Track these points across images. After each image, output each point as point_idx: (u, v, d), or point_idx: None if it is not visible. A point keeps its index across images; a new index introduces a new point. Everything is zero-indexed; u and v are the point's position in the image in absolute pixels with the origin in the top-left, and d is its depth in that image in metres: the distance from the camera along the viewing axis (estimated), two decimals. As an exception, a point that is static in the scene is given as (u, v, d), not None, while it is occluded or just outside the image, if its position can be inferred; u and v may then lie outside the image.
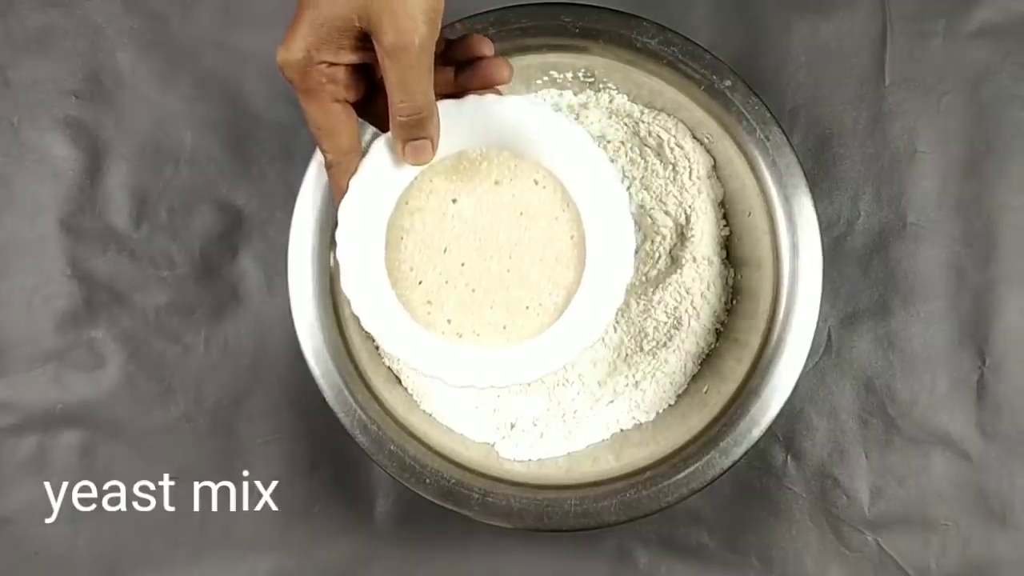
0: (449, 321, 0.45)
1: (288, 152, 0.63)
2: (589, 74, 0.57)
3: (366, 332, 0.58)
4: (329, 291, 0.54)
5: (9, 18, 0.63)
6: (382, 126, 0.42)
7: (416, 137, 0.42)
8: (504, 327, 0.45)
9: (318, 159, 0.53)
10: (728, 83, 0.54)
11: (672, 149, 0.58)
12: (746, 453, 0.53)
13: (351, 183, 0.43)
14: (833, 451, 0.62)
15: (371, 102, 0.42)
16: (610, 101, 0.58)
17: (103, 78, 0.63)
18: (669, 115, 0.58)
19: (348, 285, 0.44)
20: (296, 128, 0.63)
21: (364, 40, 0.38)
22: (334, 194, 0.43)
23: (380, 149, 0.43)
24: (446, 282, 0.45)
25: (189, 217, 0.63)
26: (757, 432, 0.53)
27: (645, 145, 0.59)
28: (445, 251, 0.45)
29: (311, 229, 0.54)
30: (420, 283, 0.45)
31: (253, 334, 0.62)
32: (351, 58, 0.39)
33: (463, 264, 0.45)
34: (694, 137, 0.58)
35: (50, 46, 0.63)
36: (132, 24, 0.63)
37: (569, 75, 0.57)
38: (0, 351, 0.62)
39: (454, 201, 0.45)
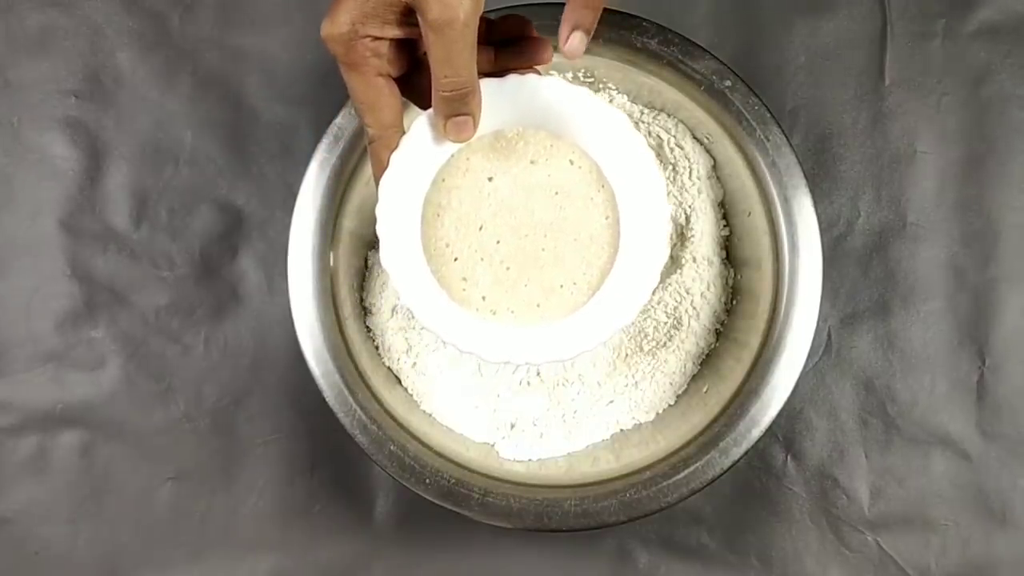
0: (484, 298, 0.45)
1: (288, 152, 0.63)
2: (589, 74, 0.57)
3: (367, 331, 0.58)
4: (329, 291, 0.54)
5: (9, 18, 0.63)
6: (423, 103, 0.43)
7: (458, 113, 0.41)
8: (538, 305, 0.45)
9: (318, 158, 0.53)
10: (728, 83, 0.54)
11: (672, 149, 0.58)
12: (746, 453, 0.53)
13: (392, 159, 0.43)
14: (833, 451, 0.62)
15: (413, 78, 0.42)
16: (610, 101, 0.58)
17: (103, 78, 0.63)
18: (669, 115, 0.58)
19: (387, 260, 0.44)
20: (296, 128, 0.63)
21: (409, 15, 0.39)
22: (375, 169, 0.43)
23: (421, 125, 0.43)
24: (481, 259, 0.45)
25: (189, 217, 0.63)
26: (757, 432, 0.53)
27: (645, 145, 0.59)
28: (481, 229, 0.45)
29: (311, 229, 0.54)
30: (455, 260, 0.45)
31: (253, 334, 0.62)
32: (396, 32, 0.40)
33: (498, 242, 0.45)
34: (694, 137, 0.58)
35: (50, 46, 0.63)
36: (132, 24, 0.63)
37: (569, 75, 0.57)
38: (0, 351, 0.62)
39: (490, 179, 0.45)
